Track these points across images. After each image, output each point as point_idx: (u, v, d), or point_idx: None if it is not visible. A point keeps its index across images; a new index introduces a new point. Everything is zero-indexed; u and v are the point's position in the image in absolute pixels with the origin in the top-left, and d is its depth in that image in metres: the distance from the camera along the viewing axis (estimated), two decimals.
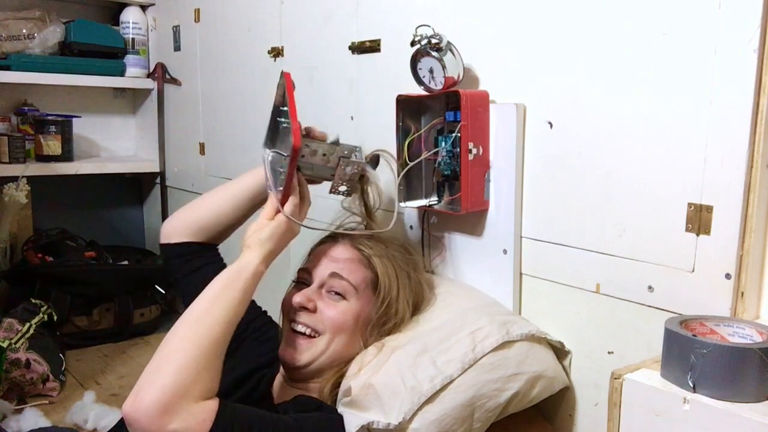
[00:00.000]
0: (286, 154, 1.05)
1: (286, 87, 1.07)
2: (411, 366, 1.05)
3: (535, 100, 1.20)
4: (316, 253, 1.18)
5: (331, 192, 1.13)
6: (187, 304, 1.29)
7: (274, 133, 1.13)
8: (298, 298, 1.11)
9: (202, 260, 1.26)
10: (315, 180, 1.19)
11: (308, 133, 1.15)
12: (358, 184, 1.19)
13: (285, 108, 1.07)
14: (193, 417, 0.89)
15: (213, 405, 0.92)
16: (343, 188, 1.12)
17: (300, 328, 1.11)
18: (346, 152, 1.10)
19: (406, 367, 1.05)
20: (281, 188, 1.06)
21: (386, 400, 1.01)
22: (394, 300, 1.14)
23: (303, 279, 1.17)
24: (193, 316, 0.98)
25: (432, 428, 1.01)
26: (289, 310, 1.14)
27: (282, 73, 1.10)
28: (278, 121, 1.12)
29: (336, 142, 1.14)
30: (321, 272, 1.14)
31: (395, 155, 1.30)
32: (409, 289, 1.17)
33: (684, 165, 1.00)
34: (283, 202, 1.08)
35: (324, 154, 1.11)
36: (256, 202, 1.25)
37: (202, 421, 0.89)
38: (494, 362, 1.09)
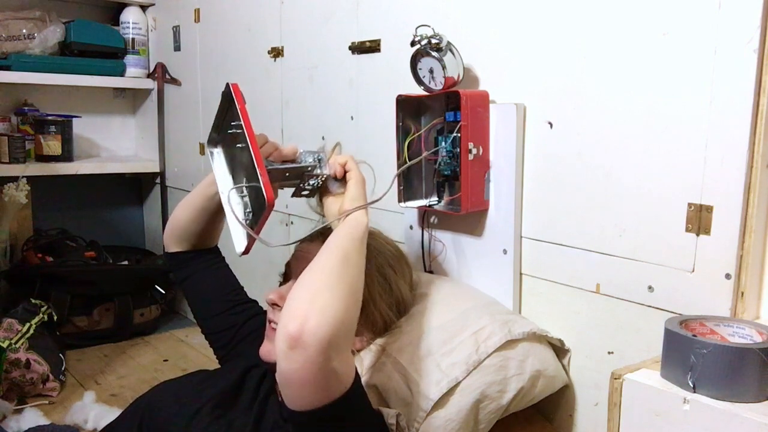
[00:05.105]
0: (248, 185, 0.99)
1: (237, 102, 0.99)
2: (416, 370, 1.05)
3: (535, 100, 1.20)
4: (298, 250, 1.17)
5: (293, 196, 1.11)
6: (191, 307, 1.30)
7: (226, 139, 1.08)
8: (270, 295, 1.10)
9: (196, 265, 1.27)
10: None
11: (267, 156, 1.07)
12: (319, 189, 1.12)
13: (239, 130, 1.00)
14: (348, 364, 0.87)
15: (354, 361, 0.90)
16: (305, 193, 1.10)
17: (273, 324, 1.10)
18: (309, 168, 1.07)
19: (410, 371, 1.05)
20: (245, 222, 0.99)
21: (395, 406, 1.02)
22: (367, 297, 1.12)
23: (285, 274, 1.17)
24: (338, 261, 0.92)
25: None
26: (268, 308, 1.14)
27: (228, 84, 1.03)
28: (230, 131, 1.04)
29: (306, 164, 1.07)
30: (297, 268, 1.13)
31: (396, 155, 1.30)
32: (383, 288, 1.15)
33: (684, 165, 1.00)
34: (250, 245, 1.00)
35: (287, 174, 1.06)
36: (212, 206, 1.20)
37: (350, 371, 0.87)
38: (497, 363, 1.09)
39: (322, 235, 1.10)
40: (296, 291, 0.88)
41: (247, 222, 0.99)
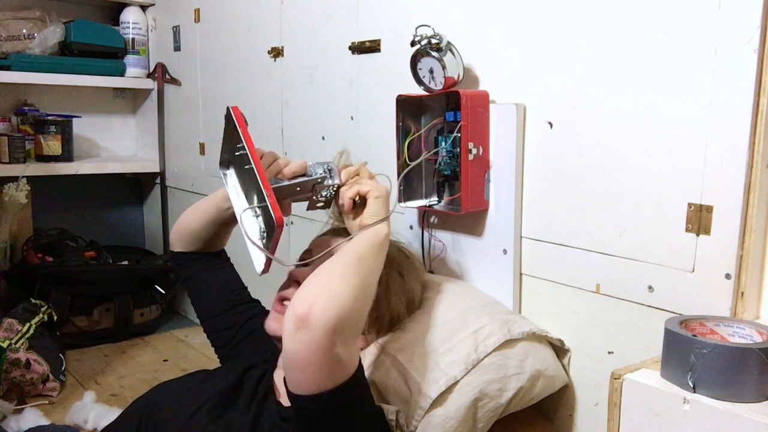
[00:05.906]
0: (260, 205, 0.99)
1: (238, 126, 0.99)
2: (415, 368, 1.05)
3: (535, 100, 1.20)
4: (319, 241, 1.18)
5: (308, 209, 1.12)
6: (193, 305, 1.30)
7: (235, 160, 1.08)
8: (293, 271, 1.12)
9: (199, 265, 1.27)
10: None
11: (275, 174, 1.08)
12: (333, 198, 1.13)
13: (244, 151, 1.00)
14: (351, 352, 0.88)
15: (358, 351, 0.92)
16: (320, 205, 1.11)
17: (286, 302, 1.11)
18: (319, 180, 1.07)
19: (409, 369, 1.05)
20: (260, 241, 1.00)
21: (393, 404, 1.02)
22: (383, 292, 1.12)
23: (304, 258, 1.18)
24: (354, 259, 0.95)
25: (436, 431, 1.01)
26: (282, 286, 1.14)
27: (228, 108, 1.03)
28: (237, 153, 1.05)
29: (314, 176, 1.07)
30: (317, 254, 1.13)
31: (396, 155, 1.30)
32: (399, 286, 1.16)
33: (684, 165, 1.00)
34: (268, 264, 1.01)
35: (298, 189, 1.06)
36: (224, 218, 1.21)
37: (354, 361, 0.89)
38: (496, 362, 1.09)
39: (344, 231, 1.11)
40: (309, 280, 0.90)
41: (263, 241, 1.00)
